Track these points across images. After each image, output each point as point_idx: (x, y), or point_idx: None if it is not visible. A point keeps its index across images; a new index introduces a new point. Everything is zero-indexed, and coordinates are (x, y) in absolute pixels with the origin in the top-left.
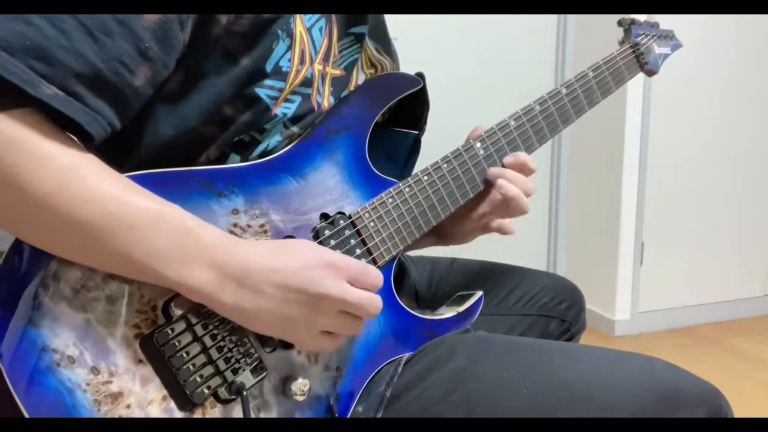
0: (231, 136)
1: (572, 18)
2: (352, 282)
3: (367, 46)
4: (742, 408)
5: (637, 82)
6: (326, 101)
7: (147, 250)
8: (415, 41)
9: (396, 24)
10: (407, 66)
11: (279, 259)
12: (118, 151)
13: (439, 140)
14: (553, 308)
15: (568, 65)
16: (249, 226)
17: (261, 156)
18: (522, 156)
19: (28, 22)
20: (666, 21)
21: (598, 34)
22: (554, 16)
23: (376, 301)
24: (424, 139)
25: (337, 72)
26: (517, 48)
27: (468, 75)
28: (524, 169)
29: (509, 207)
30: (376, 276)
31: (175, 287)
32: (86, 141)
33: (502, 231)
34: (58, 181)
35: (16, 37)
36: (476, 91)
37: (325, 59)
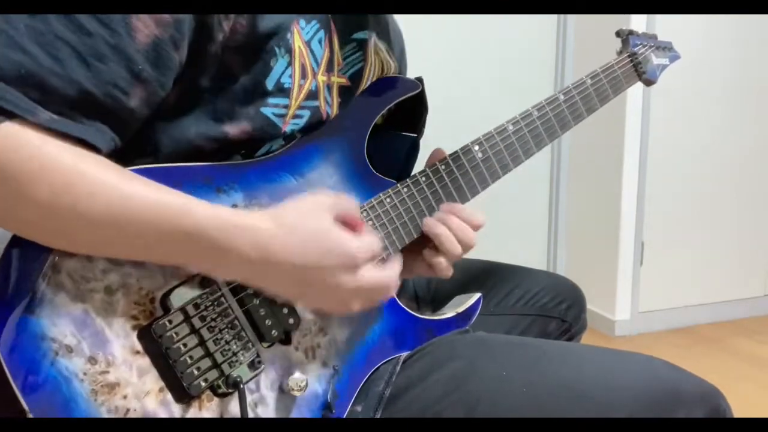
0: (237, 149)
1: (572, 18)
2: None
3: (380, 48)
4: (742, 408)
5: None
6: (336, 112)
7: (161, 236)
8: (415, 41)
9: None
10: (407, 65)
11: (295, 252)
12: (119, 162)
13: (438, 141)
14: (554, 308)
15: (568, 65)
16: None
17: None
18: (457, 206)
19: (22, 50)
20: (666, 21)
21: (598, 35)
22: (554, 16)
23: (392, 277)
24: (423, 140)
25: (343, 80)
26: (517, 48)
27: (468, 75)
28: (462, 217)
29: (440, 245)
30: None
31: (190, 265)
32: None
33: (434, 269)
34: (64, 182)
35: (11, 65)
36: (476, 92)
37: (329, 69)
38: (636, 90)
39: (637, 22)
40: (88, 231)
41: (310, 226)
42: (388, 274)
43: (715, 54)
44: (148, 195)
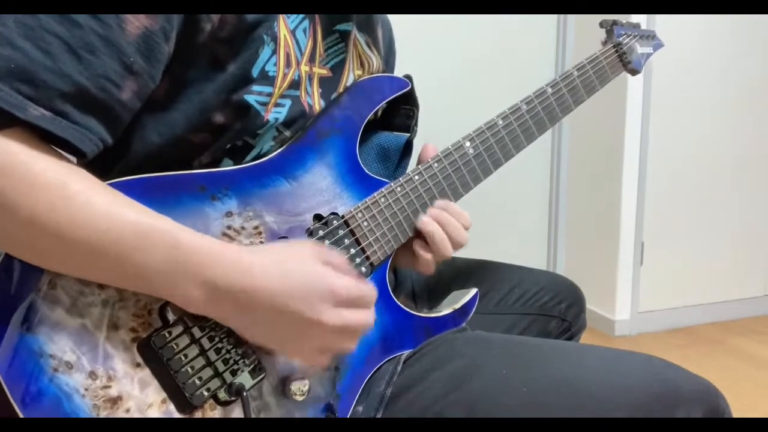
0: (223, 143)
1: (572, 18)
2: (349, 305)
3: (358, 41)
4: (742, 408)
5: (637, 81)
6: (317, 103)
7: (136, 267)
8: (415, 41)
9: (394, 23)
10: (407, 65)
11: (278, 280)
12: (107, 160)
13: (437, 140)
14: (553, 307)
15: (568, 65)
16: (243, 228)
17: (254, 160)
18: (451, 204)
19: (12, 45)
20: (664, 21)
21: (598, 34)
22: (554, 16)
23: (370, 321)
24: (423, 139)
25: (324, 71)
26: (517, 48)
27: (468, 74)
28: (453, 214)
29: (432, 243)
30: (373, 297)
31: (168, 299)
32: (79, 157)
33: (418, 263)
34: (46, 203)
35: (1, 61)
36: (476, 91)
37: (311, 60)
38: (636, 89)
39: (637, 21)
40: (67, 253)
41: (296, 261)
42: (369, 314)
43: (715, 54)
44: (133, 220)
